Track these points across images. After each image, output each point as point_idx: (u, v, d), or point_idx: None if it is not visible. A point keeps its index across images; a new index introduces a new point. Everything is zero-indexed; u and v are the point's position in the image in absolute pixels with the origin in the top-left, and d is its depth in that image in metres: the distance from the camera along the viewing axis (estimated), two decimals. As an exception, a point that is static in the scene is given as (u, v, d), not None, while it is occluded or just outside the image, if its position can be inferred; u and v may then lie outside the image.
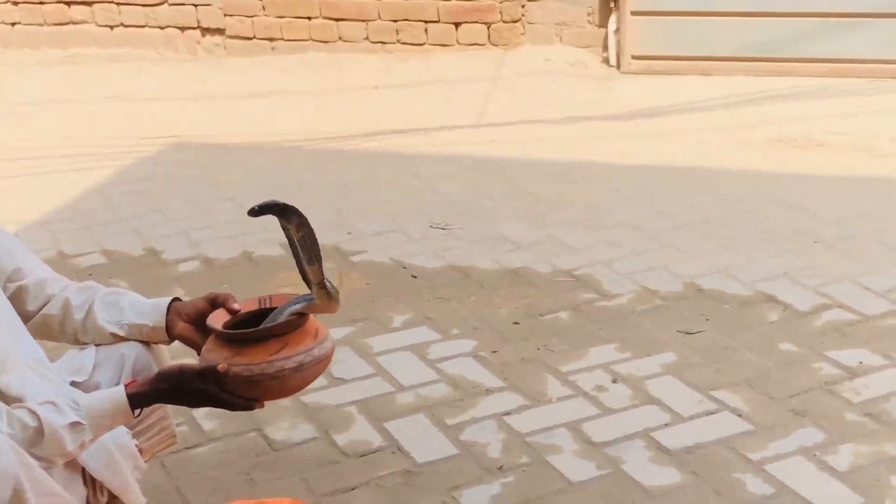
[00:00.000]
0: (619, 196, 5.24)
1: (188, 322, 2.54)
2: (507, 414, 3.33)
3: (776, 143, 5.81)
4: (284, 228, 2.27)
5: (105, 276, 4.52)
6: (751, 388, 3.42)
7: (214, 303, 2.50)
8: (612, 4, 7.12)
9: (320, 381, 3.55)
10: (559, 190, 5.38)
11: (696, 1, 7.00)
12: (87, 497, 2.51)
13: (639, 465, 3.05)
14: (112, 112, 7.20)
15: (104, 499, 2.54)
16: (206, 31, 8.28)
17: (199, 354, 2.46)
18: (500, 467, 3.06)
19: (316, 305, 2.32)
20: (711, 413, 3.29)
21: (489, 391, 3.48)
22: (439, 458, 3.12)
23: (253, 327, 2.36)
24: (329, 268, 4.47)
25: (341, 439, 3.23)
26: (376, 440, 3.23)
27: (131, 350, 2.58)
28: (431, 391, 3.49)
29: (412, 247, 4.72)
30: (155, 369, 2.55)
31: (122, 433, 2.51)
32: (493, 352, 3.73)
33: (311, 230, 2.27)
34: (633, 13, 7.08)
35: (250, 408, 2.32)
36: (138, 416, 2.34)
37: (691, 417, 3.27)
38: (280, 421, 3.32)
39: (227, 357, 2.28)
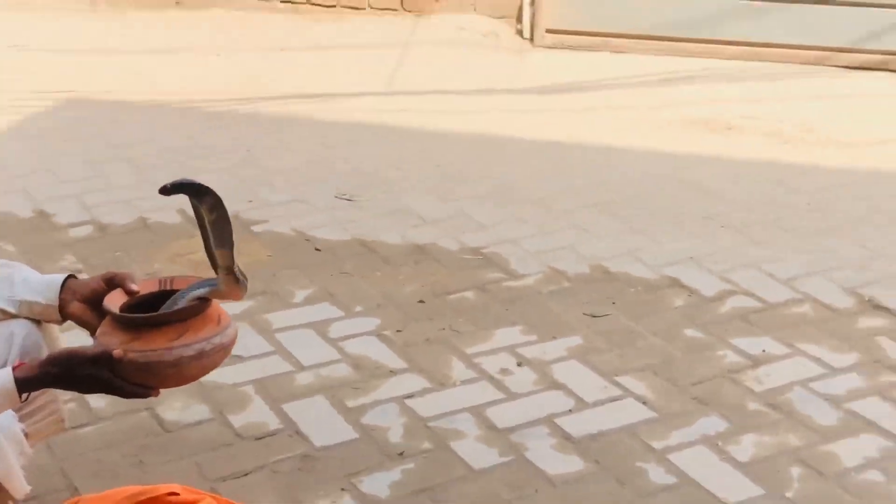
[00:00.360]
0: (529, 172, 5.18)
1: (82, 301, 2.40)
2: (410, 397, 3.26)
3: (687, 125, 5.80)
4: (195, 209, 2.15)
5: (-8, 238, 4.33)
6: (655, 374, 3.39)
7: (112, 282, 2.36)
8: (527, -24, 7.04)
9: (217, 357, 3.44)
10: (469, 163, 5.30)
11: (611, -24, 6.96)
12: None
13: (542, 452, 3.00)
14: (6, 63, 6.91)
15: (-18, 484, 2.40)
16: (108, -18, 8.00)
17: (93, 336, 2.33)
18: (401, 453, 2.98)
19: (221, 291, 2.21)
20: (616, 399, 3.26)
21: (392, 372, 3.39)
22: (338, 442, 3.03)
23: (152, 311, 2.24)
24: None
25: (237, 421, 3.12)
26: (273, 422, 3.12)
27: (21, 328, 2.43)
28: (332, 371, 3.40)
29: (316, 218, 4.60)
30: (45, 349, 2.41)
31: (7, 416, 2.37)
32: (397, 331, 3.65)
33: (224, 212, 2.15)
34: (549, -15, 7.02)
35: (145, 395, 2.21)
36: (26, 399, 2.21)
37: (595, 404, 3.24)
38: (172, 401, 3.19)
39: (123, 342, 2.16)
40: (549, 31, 7.02)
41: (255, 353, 3.49)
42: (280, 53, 7.18)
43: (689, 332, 3.64)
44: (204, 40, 7.39)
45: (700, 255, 4.22)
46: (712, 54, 6.70)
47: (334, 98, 6.30)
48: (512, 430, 3.09)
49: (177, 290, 2.27)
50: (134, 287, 2.31)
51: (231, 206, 4.67)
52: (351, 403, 3.22)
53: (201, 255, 3.91)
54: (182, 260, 4.14)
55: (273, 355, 3.48)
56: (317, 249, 4.29)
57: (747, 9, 6.70)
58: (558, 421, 3.14)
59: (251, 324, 3.67)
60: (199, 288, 2.22)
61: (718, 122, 5.83)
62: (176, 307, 2.20)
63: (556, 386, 3.32)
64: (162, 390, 2.29)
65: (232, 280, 2.19)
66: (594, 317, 3.76)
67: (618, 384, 3.33)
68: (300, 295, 3.90)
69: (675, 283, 3.99)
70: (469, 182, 5.03)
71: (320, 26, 7.55)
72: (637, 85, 6.43)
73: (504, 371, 3.41)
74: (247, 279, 2.23)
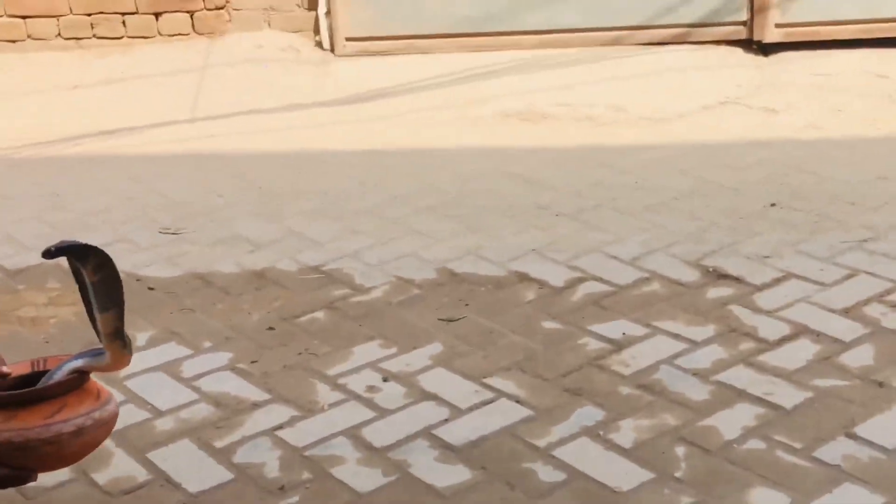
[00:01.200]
0: (354, 183, 5.09)
1: None
2: (280, 428, 3.11)
3: (502, 118, 5.82)
4: (76, 272, 2.00)
5: None
6: (522, 371, 3.35)
7: None
8: (319, -14, 6.92)
9: (66, 415, 3.22)
10: (290, 181, 5.17)
11: (405, -22, 6.90)
12: None
13: (426, 466, 2.91)
14: None
15: None
16: None
17: None
18: (282, 487, 2.85)
19: (102, 363, 2.06)
20: (489, 402, 3.20)
21: (256, 405, 3.24)
22: (214, 485, 2.86)
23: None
24: (53, 287, 4.08)
25: (101, 477, 2.91)
26: (141, 474, 2.93)
27: None
28: (193, 413, 3.22)
29: (143, 256, 4.39)
30: None
31: None
32: (253, 362, 3.50)
33: (112, 271, 2.00)
34: (343, -6, 6.91)
35: (23, 481, 2.01)
36: None
37: (470, 409, 3.17)
38: (27, 467, 2.95)
39: None
40: (349, 39, 6.92)
41: (106, 405, 3.28)
42: (71, 92, 6.86)
43: (548, 325, 3.62)
44: (-14, 86, 6.99)
45: (542, 246, 4.22)
46: (514, 46, 6.71)
47: (137, 131, 6.07)
48: (391, 447, 2.99)
49: (50, 370, 2.11)
50: (4, 369, 2.13)
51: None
52: (219, 443, 3.05)
53: (26, 310, 3.67)
54: (8, 317, 3.88)
55: (127, 404, 3.27)
56: (150, 289, 4.09)
57: (540, -3, 6.76)
58: (436, 432, 3.05)
59: (96, 375, 3.43)
60: (77, 360, 2.07)
61: (532, 112, 5.88)
62: (51, 382, 2.04)
63: (428, 396, 3.24)
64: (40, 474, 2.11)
65: (118, 347, 2.04)
66: (450, 321, 3.70)
67: (488, 386, 3.28)
68: (142, 337, 3.70)
69: (524, 277, 3.97)
70: (294, 200, 4.91)
71: (109, 59, 7.23)
72: (446, 84, 6.41)
73: (371, 388, 3.31)
74: (132, 343, 2.09)
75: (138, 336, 3.71)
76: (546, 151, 5.35)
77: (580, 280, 3.93)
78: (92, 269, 2.00)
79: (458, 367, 3.39)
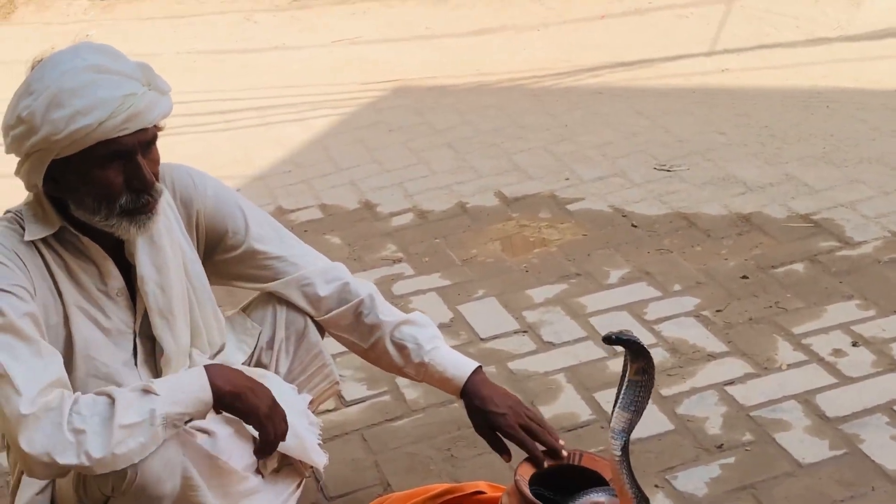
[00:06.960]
0: (867, 127, 4.76)
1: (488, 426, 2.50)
2: (730, 383, 3.03)
3: None
4: (627, 364, 2.16)
5: (320, 231, 4.45)
6: None
7: (533, 443, 2.41)
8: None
9: (527, 345, 3.36)
10: (798, 122, 4.94)
11: None
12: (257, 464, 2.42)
13: (880, 444, 2.70)
14: (336, 57, 7.16)
15: (273, 464, 2.45)
16: (430, -33, 8.10)
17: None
18: (720, 446, 2.78)
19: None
20: (969, 383, 2.90)
21: (711, 357, 3.18)
22: (652, 434, 2.86)
23: (557, 480, 2.34)
24: (543, 217, 4.25)
25: (547, 411, 3.01)
26: (584, 412, 3.00)
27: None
28: (648, 357, 3.22)
29: (634, 192, 4.42)
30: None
31: (288, 390, 2.42)
32: (717, 311, 3.42)
33: (648, 380, 2.14)
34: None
35: None
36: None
37: (945, 388, 2.89)
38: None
39: None
40: (889, -33, 6.43)
41: (567, 339, 3.37)
42: (598, 22, 7.03)
43: None
44: (522, 16, 7.34)
45: None
46: None
47: (653, 64, 6.08)
48: (845, 419, 2.81)
49: (580, 467, 2.35)
50: (564, 453, 2.37)
51: (547, 185, 4.62)
52: (666, 392, 3.03)
53: (515, 238, 3.84)
54: (496, 244, 4.09)
55: (586, 341, 3.35)
56: (634, 225, 4.12)
57: None
58: (900, 408, 2.83)
59: (564, 308, 3.55)
60: (599, 494, 2.28)
61: None
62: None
63: (898, 368, 3.00)
64: None
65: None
66: (943, 287, 3.38)
67: (971, 365, 2.97)
68: (615, 275, 3.75)
69: None
70: (798, 143, 4.69)
71: (640, -11, 7.30)
72: None
73: (837, 352, 3.11)
74: (648, 501, 2.21)
75: (611, 273, 3.76)
76: None
77: None
78: (636, 369, 2.13)
79: (940, 340, 3.10)
